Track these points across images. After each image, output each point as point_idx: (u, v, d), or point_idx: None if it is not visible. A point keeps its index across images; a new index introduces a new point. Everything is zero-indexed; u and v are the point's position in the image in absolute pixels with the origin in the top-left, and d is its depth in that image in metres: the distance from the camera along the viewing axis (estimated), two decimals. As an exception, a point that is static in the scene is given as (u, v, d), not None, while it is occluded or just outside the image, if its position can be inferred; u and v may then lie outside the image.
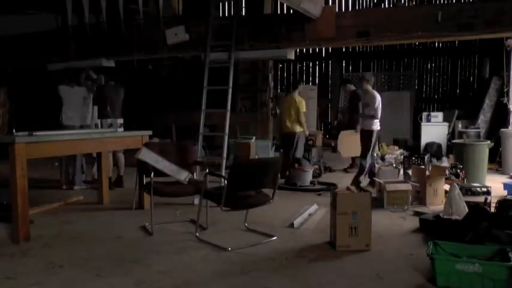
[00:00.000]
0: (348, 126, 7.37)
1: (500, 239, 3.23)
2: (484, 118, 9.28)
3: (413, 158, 7.05)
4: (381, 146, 9.26)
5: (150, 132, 5.24)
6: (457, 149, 6.61)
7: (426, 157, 7.13)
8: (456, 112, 9.84)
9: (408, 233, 4.04)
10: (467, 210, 3.85)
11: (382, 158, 8.54)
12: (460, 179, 5.87)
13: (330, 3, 9.04)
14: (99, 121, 5.05)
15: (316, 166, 7.06)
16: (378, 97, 6.01)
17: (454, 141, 7.30)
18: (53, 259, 3.37)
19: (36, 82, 11.84)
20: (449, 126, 9.44)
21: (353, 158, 7.67)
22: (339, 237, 3.52)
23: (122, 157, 6.21)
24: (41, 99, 12.39)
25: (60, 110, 6.24)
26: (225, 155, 5.83)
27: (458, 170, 5.79)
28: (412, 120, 11.35)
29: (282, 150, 7.48)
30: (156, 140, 6.50)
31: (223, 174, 4.68)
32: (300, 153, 6.87)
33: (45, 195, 5.66)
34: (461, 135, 8.55)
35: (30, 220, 3.99)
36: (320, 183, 6.55)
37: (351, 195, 3.70)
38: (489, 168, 6.70)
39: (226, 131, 5.92)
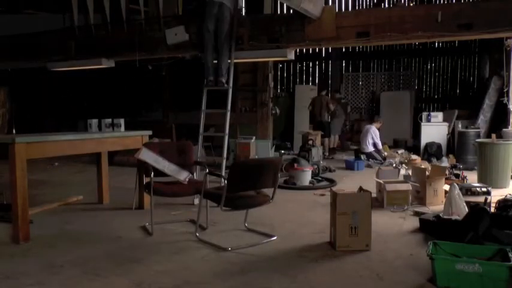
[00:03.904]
0: None
1: (500, 239, 3.23)
2: (484, 118, 9.29)
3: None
4: (383, 147, 9.28)
5: (150, 132, 5.23)
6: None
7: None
8: (456, 112, 9.85)
9: (408, 233, 4.04)
10: (467, 210, 3.85)
11: (384, 159, 8.59)
12: (460, 179, 5.87)
13: (330, 3, 9.03)
14: (96, 120, 5.01)
15: (315, 166, 7.08)
16: None
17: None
18: (53, 259, 3.37)
19: (37, 82, 11.86)
20: (449, 126, 9.44)
21: None
22: (339, 237, 3.52)
23: None
24: (42, 100, 12.46)
25: None
26: (225, 155, 5.83)
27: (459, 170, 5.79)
28: (412, 120, 11.36)
29: None
30: (156, 140, 6.50)
31: (223, 174, 4.68)
32: None
33: (45, 195, 5.67)
34: (461, 134, 8.56)
35: (30, 220, 4.00)
36: (318, 180, 6.71)
37: (351, 195, 3.70)
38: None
39: (227, 131, 5.92)
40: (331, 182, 6.68)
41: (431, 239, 3.29)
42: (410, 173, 5.91)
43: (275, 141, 9.65)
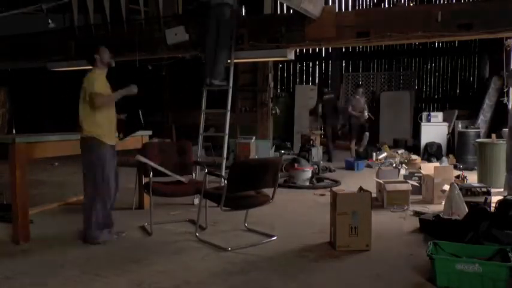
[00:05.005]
0: None
1: (500, 239, 3.23)
2: (484, 118, 9.29)
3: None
4: (383, 147, 9.28)
5: (150, 132, 5.23)
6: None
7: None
8: (456, 112, 9.85)
9: (408, 233, 4.04)
10: (467, 210, 3.85)
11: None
12: (460, 179, 5.87)
13: (330, 3, 9.03)
14: None
15: (315, 166, 7.08)
16: None
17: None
18: (53, 259, 3.37)
19: (37, 82, 11.85)
20: (449, 126, 9.44)
21: None
22: (339, 237, 3.52)
23: None
24: (42, 100, 12.45)
25: None
26: (225, 155, 5.83)
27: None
28: (412, 120, 11.35)
29: None
30: (155, 140, 6.49)
31: (223, 174, 4.68)
32: None
33: (45, 195, 5.66)
34: (461, 134, 8.56)
35: (30, 220, 4.00)
36: (320, 180, 6.71)
37: (351, 195, 3.69)
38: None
39: (227, 131, 5.92)
40: (335, 182, 6.62)
41: (431, 239, 3.29)
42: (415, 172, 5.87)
43: (275, 141, 9.64)
